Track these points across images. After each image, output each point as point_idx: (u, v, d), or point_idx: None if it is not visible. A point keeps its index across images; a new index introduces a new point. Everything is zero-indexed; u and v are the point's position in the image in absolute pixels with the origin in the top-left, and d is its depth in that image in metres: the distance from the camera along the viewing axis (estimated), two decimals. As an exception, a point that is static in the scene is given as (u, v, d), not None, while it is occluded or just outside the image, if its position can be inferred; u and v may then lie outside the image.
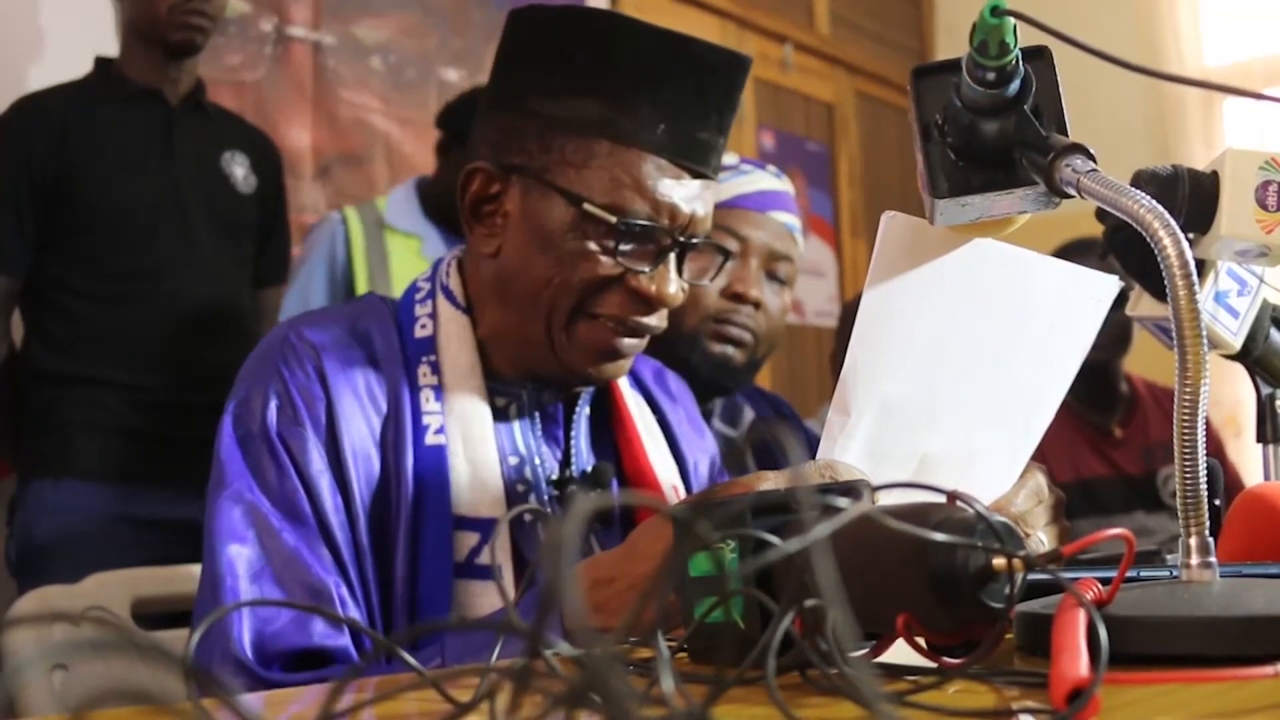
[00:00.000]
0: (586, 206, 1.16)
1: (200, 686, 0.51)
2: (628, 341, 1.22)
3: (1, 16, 2.69)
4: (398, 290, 2.68)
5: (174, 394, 2.41)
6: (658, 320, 1.23)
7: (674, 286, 1.20)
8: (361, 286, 2.74)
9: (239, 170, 2.57)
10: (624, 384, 1.35)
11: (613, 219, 1.16)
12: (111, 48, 2.55)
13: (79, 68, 2.49)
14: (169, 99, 2.49)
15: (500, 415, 1.24)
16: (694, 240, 1.22)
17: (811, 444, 2.19)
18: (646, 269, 1.18)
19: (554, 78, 1.19)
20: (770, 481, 1.00)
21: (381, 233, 2.80)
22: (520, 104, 1.20)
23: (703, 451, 1.42)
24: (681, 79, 1.17)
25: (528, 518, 1.20)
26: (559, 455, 1.27)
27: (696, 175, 1.20)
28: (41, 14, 2.74)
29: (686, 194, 1.19)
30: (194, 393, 2.42)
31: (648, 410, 1.38)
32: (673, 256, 1.20)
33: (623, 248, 1.17)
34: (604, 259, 1.18)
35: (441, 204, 2.80)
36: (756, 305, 1.92)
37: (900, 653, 0.71)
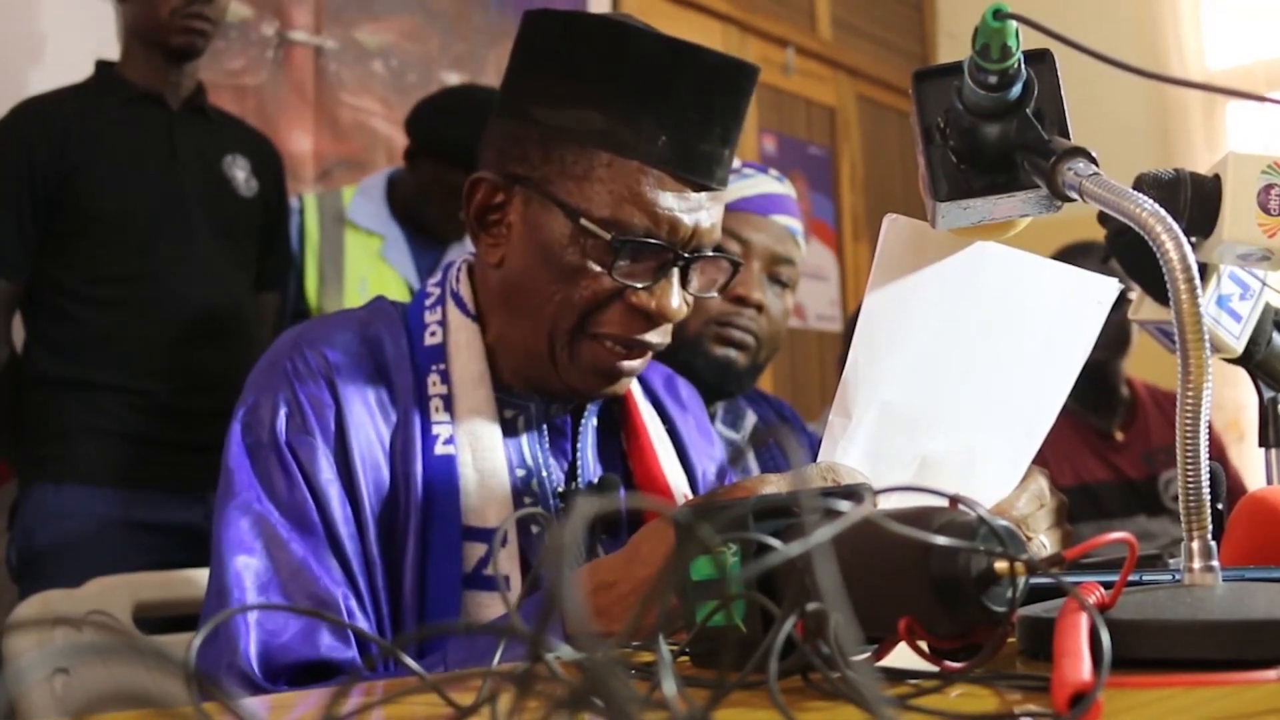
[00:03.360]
0: (583, 222, 1.14)
1: (202, 690, 0.51)
2: (629, 363, 1.20)
3: (2, 19, 2.70)
4: (349, 288, 2.68)
5: (175, 398, 2.41)
6: (659, 337, 1.20)
7: (676, 301, 1.18)
8: (311, 279, 2.72)
9: (240, 174, 2.57)
10: (636, 392, 1.34)
11: (607, 235, 1.14)
12: (112, 51, 2.55)
13: (80, 71, 2.49)
14: (170, 103, 2.49)
15: (508, 427, 1.23)
16: (698, 254, 1.19)
17: (813, 447, 2.19)
18: (646, 284, 1.16)
19: (558, 86, 1.17)
20: (772, 485, 1.00)
21: (341, 228, 2.77)
22: (525, 112, 1.19)
23: (711, 459, 1.41)
24: (684, 90, 1.15)
25: (535, 528, 1.19)
26: (565, 467, 1.27)
27: (700, 188, 1.17)
28: (42, 17, 2.75)
29: (688, 207, 1.16)
30: (195, 397, 2.42)
31: (657, 420, 1.37)
32: (676, 271, 1.18)
33: (620, 264, 1.15)
34: (602, 275, 1.16)
35: (407, 206, 2.79)
36: (759, 308, 1.92)
37: (902, 656, 0.71)
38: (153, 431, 2.39)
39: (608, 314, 1.17)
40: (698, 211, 1.17)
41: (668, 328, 1.21)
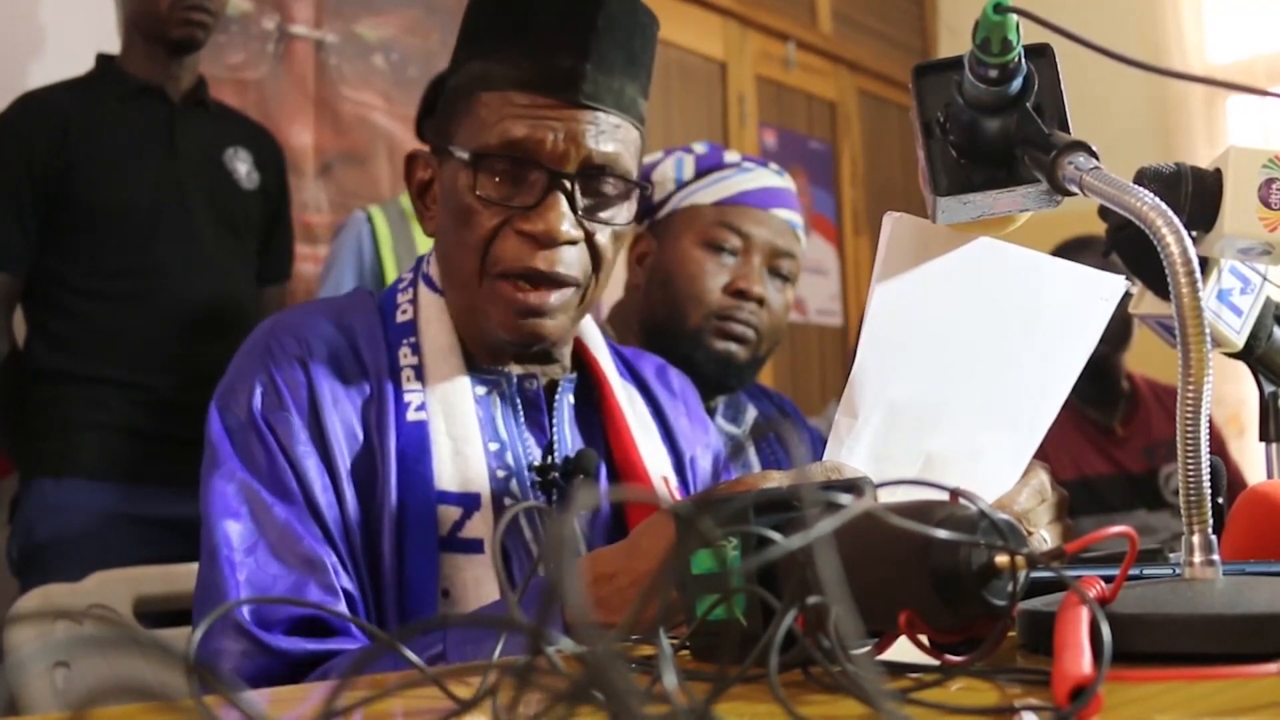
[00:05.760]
0: (453, 149, 1.19)
1: (203, 683, 0.51)
2: (534, 297, 1.19)
3: (3, 14, 2.70)
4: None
5: (176, 392, 2.41)
6: (550, 265, 1.18)
7: (565, 223, 1.17)
8: (391, 278, 2.73)
9: (241, 167, 2.57)
10: (613, 376, 1.35)
11: (466, 156, 1.18)
12: (113, 45, 2.55)
13: (80, 65, 2.49)
14: (171, 96, 2.49)
15: (481, 401, 1.25)
16: (581, 173, 1.19)
17: (814, 442, 2.19)
18: (527, 205, 1.18)
19: (455, 54, 1.25)
20: (775, 480, 1.00)
21: (407, 223, 2.79)
22: (440, 87, 1.27)
23: (704, 446, 1.42)
24: (538, 14, 1.19)
25: (508, 500, 1.21)
26: (543, 442, 1.28)
27: (567, 104, 1.18)
28: (43, 11, 2.75)
29: (552, 124, 1.17)
30: (196, 391, 2.40)
31: (640, 403, 1.38)
32: (561, 195, 1.18)
33: (492, 192, 1.18)
34: (491, 210, 1.18)
35: None
36: (760, 301, 1.92)
37: (903, 650, 0.71)
38: (154, 426, 2.40)
39: (501, 247, 1.19)
40: (570, 125, 1.18)
41: (565, 255, 1.19)
